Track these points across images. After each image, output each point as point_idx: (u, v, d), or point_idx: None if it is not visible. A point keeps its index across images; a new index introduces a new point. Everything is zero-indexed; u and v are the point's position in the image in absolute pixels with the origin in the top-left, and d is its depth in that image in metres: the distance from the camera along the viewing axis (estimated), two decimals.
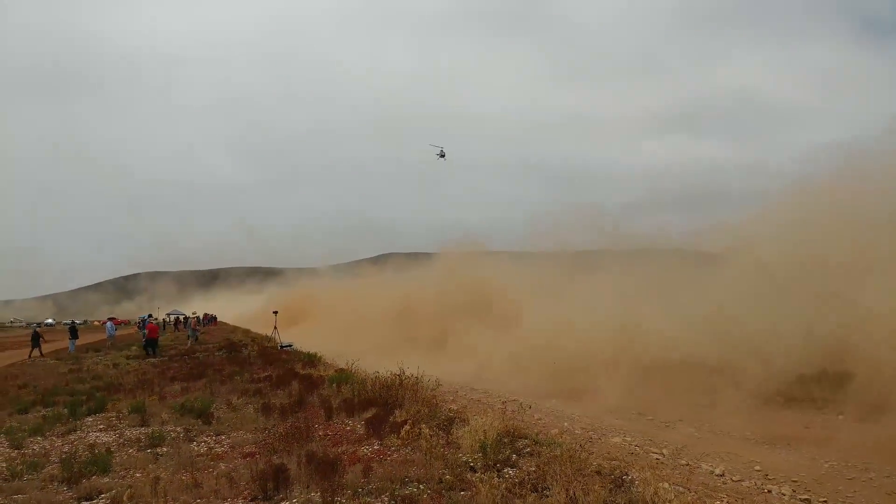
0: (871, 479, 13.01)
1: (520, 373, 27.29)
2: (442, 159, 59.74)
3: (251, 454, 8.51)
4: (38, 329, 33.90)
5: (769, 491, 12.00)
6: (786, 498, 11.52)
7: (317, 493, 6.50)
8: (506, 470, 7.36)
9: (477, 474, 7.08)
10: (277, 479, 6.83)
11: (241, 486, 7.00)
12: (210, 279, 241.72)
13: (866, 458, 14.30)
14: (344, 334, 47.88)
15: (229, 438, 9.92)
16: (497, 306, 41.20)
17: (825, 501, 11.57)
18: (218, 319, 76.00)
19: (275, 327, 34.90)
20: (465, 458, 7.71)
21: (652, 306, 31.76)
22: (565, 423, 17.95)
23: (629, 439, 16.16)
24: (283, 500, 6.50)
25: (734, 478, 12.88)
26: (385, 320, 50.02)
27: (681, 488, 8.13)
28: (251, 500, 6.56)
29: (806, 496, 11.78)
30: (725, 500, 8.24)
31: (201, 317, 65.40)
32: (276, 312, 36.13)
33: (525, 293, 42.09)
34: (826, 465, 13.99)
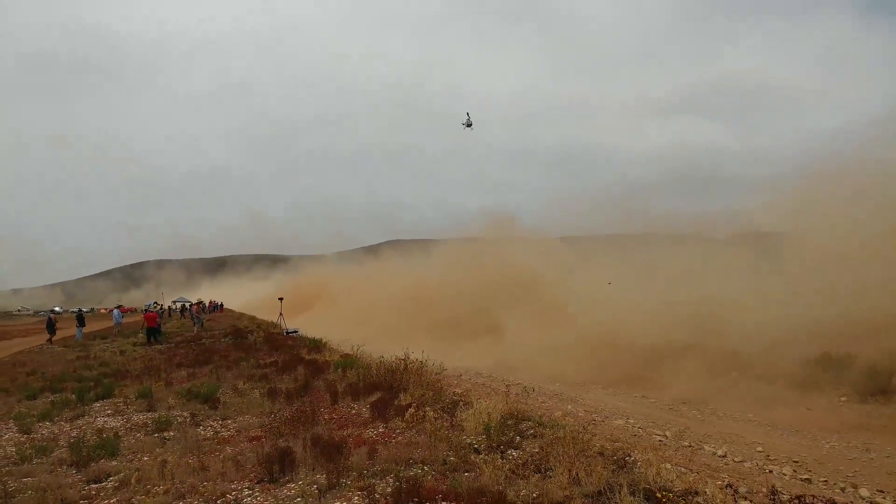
0: (871, 459, 13.09)
1: (559, 362, 26.99)
2: (469, 129, 58.01)
3: (257, 438, 8.59)
4: (52, 316, 34.26)
5: (770, 471, 12.08)
6: (787, 478, 11.60)
7: (322, 474, 6.58)
8: (509, 451, 7.42)
9: (481, 456, 7.14)
10: (283, 461, 6.91)
11: (247, 468, 7.08)
12: (217, 266, 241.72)
13: (868, 439, 14.38)
14: (358, 321, 47.43)
15: (235, 423, 10.00)
16: (517, 289, 40.67)
17: (825, 481, 11.64)
18: (224, 306, 76.12)
19: (280, 314, 34.98)
20: (469, 440, 7.77)
21: (655, 291, 31.81)
22: (569, 406, 18.06)
23: (632, 422, 16.27)
24: (288, 482, 6.57)
25: (736, 458, 12.97)
26: (400, 307, 49.22)
27: (683, 469, 8.21)
28: (257, 483, 6.64)
29: (807, 476, 11.86)
30: (727, 480, 8.30)
31: (207, 304, 65.43)
32: (281, 299, 36.14)
33: (542, 276, 41.56)
34: (827, 446, 14.07)
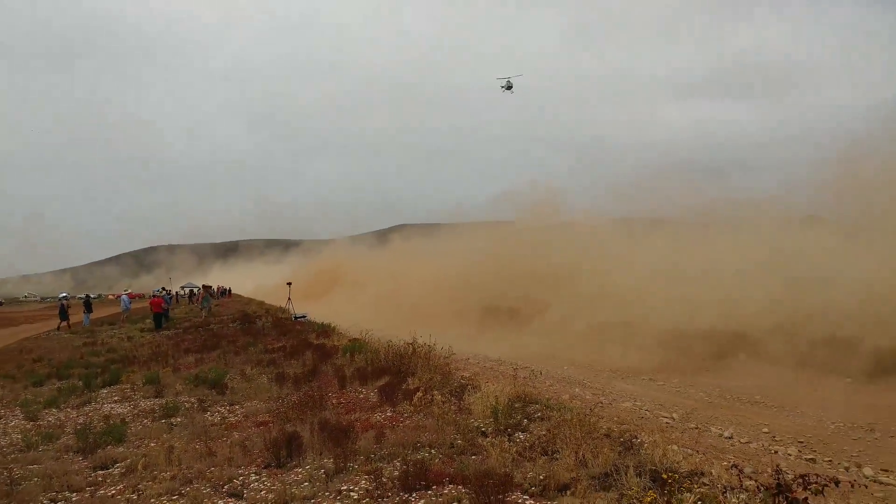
0: (876, 439, 13.12)
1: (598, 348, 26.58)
2: (508, 91, 56.75)
3: (264, 423, 8.61)
4: (64, 303, 34.44)
5: (776, 452, 12.14)
6: (792, 458, 11.64)
7: (329, 459, 6.59)
8: (516, 434, 7.43)
9: (488, 439, 7.16)
10: (290, 446, 6.92)
11: (254, 454, 7.09)
12: (228, 251, 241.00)
13: (872, 420, 14.40)
14: (371, 307, 46.09)
15: (243, 408, 10.02)
16: (552, 277, 39.06)
17: (830, 461, 11.67)
18: (232, 292, 75.92)
19: (289, 299, 35.06)
20: (476, 424, 7.79)
21: (668, 274, 31.65)
22: (576, 389, 18.09)
23: (639, 404, 16.31)
24: (296, 466, 6.59)
25: (742, 440, 13.01)
26: (417, 293, 47.58)
27: (689, 450, 8.21)
28: (264, 468, 6.65)
29: (811, 456, 11.90)
30: (732, 460, 8.31)
31: (215, 289, 65.16)
32: (289, 284, 36.18)
33: (583, 261, 39.82)
34: (832, 427, 14.10)
